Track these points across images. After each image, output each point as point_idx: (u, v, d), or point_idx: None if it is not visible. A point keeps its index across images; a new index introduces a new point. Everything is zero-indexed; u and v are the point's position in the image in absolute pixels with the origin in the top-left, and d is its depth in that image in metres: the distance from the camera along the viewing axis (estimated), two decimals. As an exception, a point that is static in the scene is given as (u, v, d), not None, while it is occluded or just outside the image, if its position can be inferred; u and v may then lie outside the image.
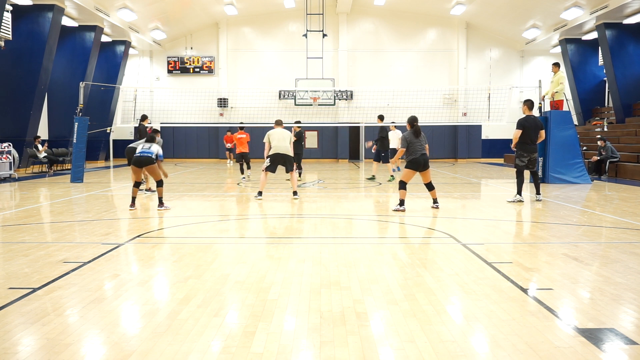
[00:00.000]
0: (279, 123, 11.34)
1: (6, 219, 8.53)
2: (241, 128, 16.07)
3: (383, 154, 15.18)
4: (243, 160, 15.71)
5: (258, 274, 4.98)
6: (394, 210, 9.13)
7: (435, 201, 9.50)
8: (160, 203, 9.40)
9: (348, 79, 28.37)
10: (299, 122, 15.17)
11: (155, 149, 9.51)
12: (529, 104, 10.44)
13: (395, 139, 15.52)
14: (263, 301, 4.19)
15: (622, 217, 8.48)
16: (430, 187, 9.45)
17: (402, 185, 9.22)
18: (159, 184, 9.50)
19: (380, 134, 15.11)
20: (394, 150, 15.04)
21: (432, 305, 4.07)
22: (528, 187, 12.36)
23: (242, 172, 15.82)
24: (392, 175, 15.23)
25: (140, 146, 9.73)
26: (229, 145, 23.12)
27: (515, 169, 10.41)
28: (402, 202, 9.17)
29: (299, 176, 15.64)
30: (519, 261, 5.51)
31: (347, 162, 27.35)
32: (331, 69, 28.19)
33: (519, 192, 10.25)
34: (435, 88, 27.01)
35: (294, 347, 3.32)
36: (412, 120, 9.26)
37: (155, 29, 26.30)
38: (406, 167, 9.25)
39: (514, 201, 10.26)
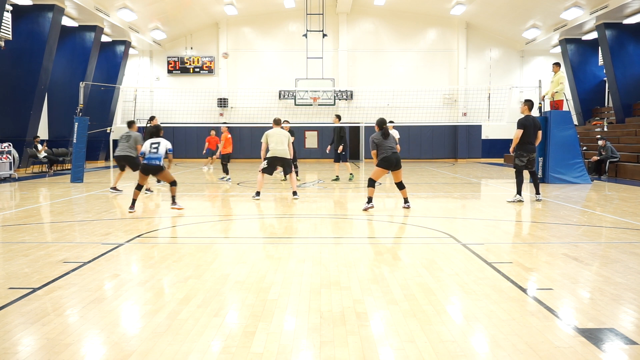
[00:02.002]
0: (277, 122, 10.97)
1: (6, 219, 8.53)
2: (227, 128, 16.08)
3: (343, 152, 15.04)
4: (229, 160, 15.86)
5: (258, 274, 4.98)
6: (364, 210, 9.09)
7: (406, 201, 9.46)
8: (174, 202, 9.32)
9: (348, 79, 28.36)
10: (287, 121, 14.88)
11: (163, 149, 9.04)
12: (529, 104, 10.44)
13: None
14: (263, 301, 4.19)
15: (622, 217, 8.48)
16: (400, 186, 9.43)
17: (371, 183, 9.21)
18: (173, 183, 9.31)
19: (339, 134, 14.93)
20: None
21: (432, 305, 4.07)
22: (528, 187, 12.35)
23: (227, 172, 15.79)
24: (351, 174, 15.75)
25: (148, 149, 9.03)
26: (208, 148, 22.21)
27: (514, 169, 10.42)
28: (369, 200, 9.16)
29: (297, 175, 15.59)
30: (519, 261, 5.51)
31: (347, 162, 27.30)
32: (331, 69, 28.18)
33: (519, 192, 10.25)
34: (435, 88, 27.01)
35: (294, 347, 3.32)
36: (381, 123, 9.22)
37: (155, 29, 26.30)
38: (377, 165, 9.21)
39: (513, 201, 10.26)
